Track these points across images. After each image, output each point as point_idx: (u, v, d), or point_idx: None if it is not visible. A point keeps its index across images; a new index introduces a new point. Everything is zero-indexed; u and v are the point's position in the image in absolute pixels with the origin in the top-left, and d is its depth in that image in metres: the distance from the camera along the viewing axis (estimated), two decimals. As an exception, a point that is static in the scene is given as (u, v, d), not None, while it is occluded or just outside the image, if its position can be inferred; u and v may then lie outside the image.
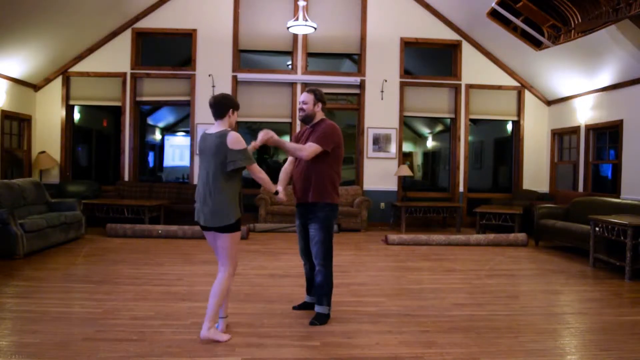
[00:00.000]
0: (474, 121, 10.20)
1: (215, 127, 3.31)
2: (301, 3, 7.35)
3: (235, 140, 3.17)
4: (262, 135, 3.49)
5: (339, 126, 3.84)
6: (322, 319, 3.65)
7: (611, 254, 5.78)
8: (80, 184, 8.87)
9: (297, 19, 7.45)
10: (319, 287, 3.69)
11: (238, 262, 3.40)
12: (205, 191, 3.24)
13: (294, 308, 3.99)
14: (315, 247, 3.67)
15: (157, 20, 9.06)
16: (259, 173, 3.31)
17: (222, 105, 3.31)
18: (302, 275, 5.09)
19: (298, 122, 9.26)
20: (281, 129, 13.63)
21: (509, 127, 10.07)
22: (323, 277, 3.67)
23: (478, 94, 9.55)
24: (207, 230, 3.35)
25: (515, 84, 9.54)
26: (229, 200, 3.22)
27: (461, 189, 9.52)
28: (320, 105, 3.79)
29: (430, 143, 13.79)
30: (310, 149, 3.57)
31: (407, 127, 13.12)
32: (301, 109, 3.77)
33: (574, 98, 8.57)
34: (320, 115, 3.80)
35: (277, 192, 3.62)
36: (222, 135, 3.21)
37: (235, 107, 3.37)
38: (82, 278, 4.95)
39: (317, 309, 3.70)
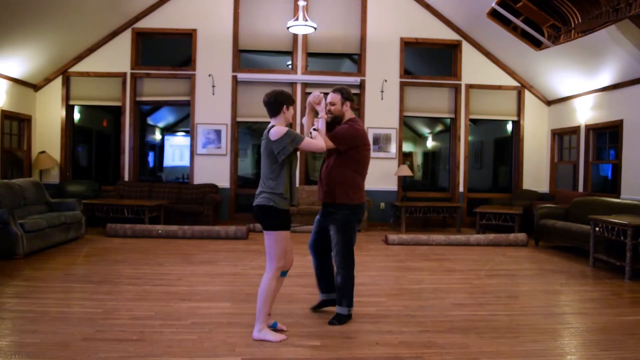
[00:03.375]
0: (474, 121, 10.20)
1: (271, 124, 3.37)
2: (301, 3, 7.35)
3: (276, 132, 3.23)
4: (315, 98, 3.51)
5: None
6: (341, 320, 3.64)
7: (611, 254, 5.78)
8: (80, 184, 8.87)
9: (297, 19, 7.45)
10: (339, 289, 3.69)
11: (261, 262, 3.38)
12: (260, 185, 3.36)
13: (312, 309, 3.92)
14: (334, 249, 3.67)
15: (157, 20, 9.06)
16: (315, 145, 3.32)
17: (275, 103, 3.33)
18: (302, 276, 5.12)
19: (298, 122, 9.26)
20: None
21: (509, 127, 10.07)
22: (342, 279, 3.66)
23: (478, 94, 9.55)
24: (258, 223, 3.43)
25: (515, 84, 9.54)
26: (277, 196, 3.25)
27: (461, 189, 9.52)
28: (348, 104, 3.72)
29: (430, 143, 13.79)
30: (325, 142, 3.48)
31: (407, 127, 13.13)
32: (329, 110, 3.70)
33: (574, 98, 8.57)
34: (349, 114, 3.74)
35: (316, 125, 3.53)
36: (267, 131, 3.30)
37: (289, 102, 3.36)
38: (82, 278, 4.95)
39: (337, 309, 3.69)
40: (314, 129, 3.49)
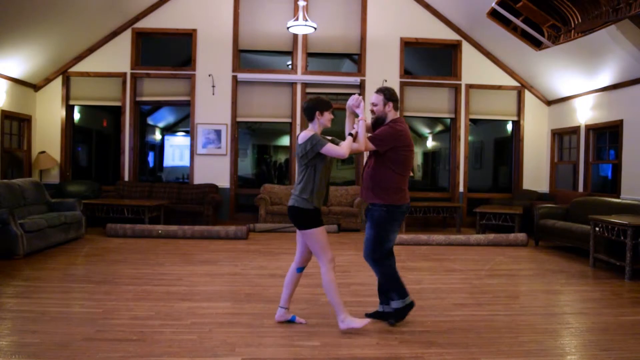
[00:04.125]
0: (474, 121, 10.20)
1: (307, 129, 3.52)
2: (301, 3, 7.35)
3: (302, 136, 3.40)
4: (355, 101, 3.53)
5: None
6: (398, 313, 3.64)
7: (611, 254, 5.78)
8: (80, 184, 8.87)
9: (297, 19, 7.45)
10: (382, 286, 3.73)
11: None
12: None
13: (366, 315, 3.82)
14: (364, 244, 3.69)
15: (157, 20, 9.06)
16: (337, 151, 3.35)
17: (308, 109, 3.49)
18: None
19: (298, 122, 9.27)
20: (281, 128, 13.69)
21: (509, 127, 10.07)
22: (380, 276, 3.70)
23: (478, 94, 9.55)
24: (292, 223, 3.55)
25: (515, 84, 9.54)
26: (303, 197, 3.37)
27: (461, 189, 9.52)
28: (391, 104, 3.68)
29: (430, 143, 13.79)
30: (340, 149, 3.45)
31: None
32: (371, 111, 3.70)
33: (574, 98, 8.57)
34: (392, 115, 3.71)
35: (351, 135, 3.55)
36: (298, 137, 3.46)
37: (323, 108, 3.47)
38: (82, 278, 4.95)
39: (392, 304, 3.67)
40: (350, 134, 3.54)
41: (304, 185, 3.39)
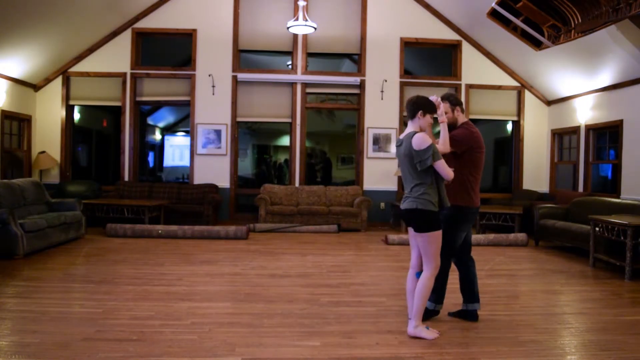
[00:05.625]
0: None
1: (408, 129, 3.43)
2: (301, 3, 7.35)
3: (419, 142, 3.26)
4: (436, 103, 3.50)
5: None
6: (469, 316, 3.75)
7: (611, 254, 5.78)
8: (80, 184, 8.87)
9: (297, 19, 7.45)
10: (467, 283, 3.80)
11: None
12: (406, 189, 3.44)
13: (449, 314, 3.91)
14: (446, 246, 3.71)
15: (157, 20, 9.06)
16: (446, 172, 3.29)
17: (411, 107, 3.40)
18: (302, 276, 5.15)
19: (298, 122, 9.27)
20: (281, 129, 13.69)
21: (509, 127, 10.07)
22: (462, 275, 3.80)
23: (478, 94, 9.55)
24: (409, 226, 3.47)
25: (515, 84, 9.54)
26: (423, 198, 3.30)
27: (461, 189, 9.50)
28: (458, 108, 3.76)
29: (430, 143, 13.77)
30: (450, 171, 3.43)
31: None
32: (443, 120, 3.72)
33: (573, 98, 8.57)
34: (462, 118, 3.78)
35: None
36: (409, 137, 3.33)
37: (425, 109, 3.37)
38: (82, 278, 4.95)
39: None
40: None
41: (427, 188, 3.29)
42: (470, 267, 3.82)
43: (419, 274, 3.47)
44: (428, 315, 3.73)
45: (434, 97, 3.58)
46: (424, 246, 3.35)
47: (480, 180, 3.77)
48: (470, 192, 3.67)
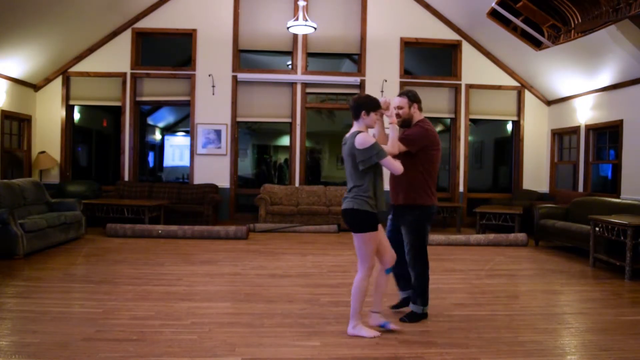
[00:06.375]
0: (474, 121, 10.20)
1: (353, 128, 3.41)
2: (301, 3, 7.35)
3: (361, 141, 3.24)
4: (382, 104, 3.48)
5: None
6: (413, 318, 3.72)
7: (611, 254, 5.78)
8: (80, 184, 8.86)
9: (297, 19, 7.45)
10: (413, 288, 3.76)
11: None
12: (347, 189, 3.43)
13: (392, 307, 3.95)
14: (406, 249, 3.72)
15: (157, 20, 9.06)
16: (394, 167, 3.30)
17: (355, 107, 3.38)
18: (302, 276, 5.14)
19: (298, 122, 9.27)
20: (281, 129, 13.69)
21: (509, 127, 10.07)
22: (415, 279, 3.73)
23: (478, 94, 9.55)
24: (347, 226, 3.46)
25: (515, 84, 9.54)
26: (360, 198, 3.30)
27: (461, 189, 9.52)
28: (416, 106, 3.74)
29: (430, 143, 13.77)
30: (396, 147, 3.51)
31: (407, 127, 13.10)
32: (397, 115, 3.70)
33: (573, 98, 8.57)
34: (417, 116, 3.75)
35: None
36: (352, 136, 3.32)
37: (370, 107, 3.36)
38: (82, 278, 4.95)
39: (411, 307, 3.77)
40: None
41: (366, 188, 3.29)
42: (426, 269, 3.78)
43: (388, 270, 3.49)
44: (407, 303, 3.84)
45: (383, 98, 3.55)
46: (358, 246, 3.33)
47: (437, 179, 3.78)
48: (428, 191, 3.67)
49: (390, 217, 3.91)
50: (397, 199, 3.74)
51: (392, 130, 3.52)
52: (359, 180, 3.31)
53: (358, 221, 3.30)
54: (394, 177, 3.65)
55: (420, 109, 3.78)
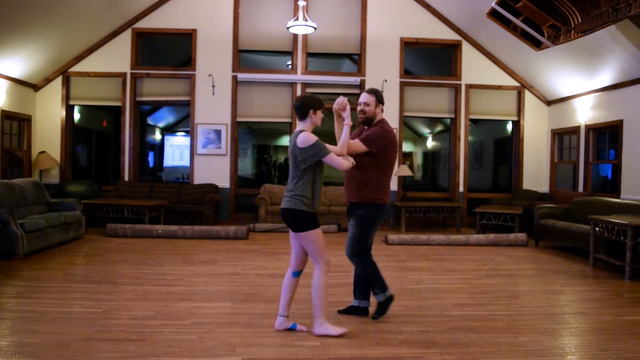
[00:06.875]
0: (474, 121, 10.20)
1: (298, 127, 3.42)
2: (301, 3, 7.35)
3: (303, 140, 3.26)
4: (339, 105, 3.50)
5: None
6: (381, 307, 3.73)
7: (611, 254, 5.78)
8: (80, 184, 8.86)
9: (297, 19, 7.45)
10: (366, 281, 3.76)
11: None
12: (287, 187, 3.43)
13: (339, 312, 3.92)
14: (348, 241, 3.71)
15: (157, 20, 9.06)
16: (338, 164, 3.32)
17: (301, 108, 3.38)
18: (302, 276, 5.10)
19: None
20: (281, 129, 13.69)
21: (509, 127, 10.07)
22: (362, 271, 3.74)
23: (478, 94, 9.55)
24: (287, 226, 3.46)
25: (515, 84, 9.54)
26: (297, 198, 3.30)
27: (461, 189, 9.52)
28: (380, 107, 3.75)
29: (430, 143, 13.80)
30: (354, 146, 3.55)
31: (407, 127, 13.13)
32: (362, 111, 3.71)
33: (574, 98, 8.57)
34: (379, 117, 3.77)
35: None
36: (295, 135, 3.34)
37: (317, 106, 3.38)
38: (82, 278, 4.95)
39: (375, 298, 3.76)
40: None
41: (303, 187, 3.31)
42: (369, 266, 3.75)
43: (295, 273, 3.47)
44: (354, 312, 3.83)
45: (342, 97, 3.54)
46: (305, 246, 3.35)
47: (391, 179, 3.82)
48: (382, 189, 3.69)
49: (348, 218, 3.89)
50: (351, 196, 3.74)
51: (345, 131, 3.51)
52: (298, 180, 3.32)
53: (298, 220, 3.31)
54: (350, 175, 3.68)
55: (382, 111, 3.81)
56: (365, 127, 3.78)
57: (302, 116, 3.38)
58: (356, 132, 3.86)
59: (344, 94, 3.84)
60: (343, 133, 3.51)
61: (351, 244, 3.70)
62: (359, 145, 3.56)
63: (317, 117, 3.39)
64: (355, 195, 3.69)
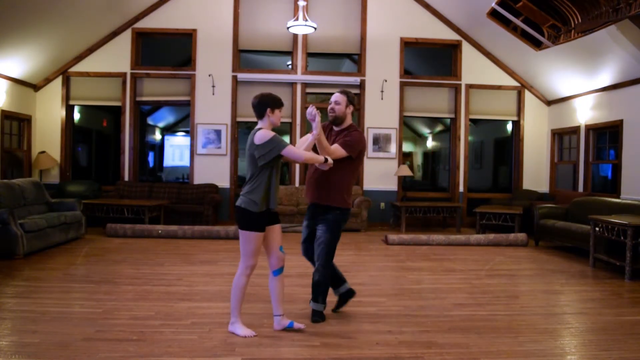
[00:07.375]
0: (474, 121, 10.20)
1: (257, 126, 3.39)
2: (301, 3, 7.35)
3: (260, 137, 3.24)
4: (309, 115, 3.45)
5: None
6: (317, 316, 3.70)
7: (611, 254, 5.78)
8: (80, 184, 8.86)
9: (297, 19, 7.45)
10: (317, 285, 3.69)
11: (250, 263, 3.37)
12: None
13: (333, 311, 3.91)
14: (319, 247, 3.66)
15: (157, 20, 9.06)
16: (297, 155, 3.31)
17: (259, 106, 3.35)
18: (302, 276, 5.12)
19: (298, 122, 9.28)
20: (281, 129, 13.69)
21: (509, 127, 10.07)
22: (321, 276, 3.68)
23: (478, 94, 9.55)
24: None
25: (515, 84, 9.54)
26: (248, 197, 3.29)
27: (461, 189, 9.52)
28: (351, 107, 3.75)
29: (430, 143, 13.80)
30: (337, 152, 3.54)
31: (407, 127, 13.14)
32: (332, 109, 3.71)
33: (573, 98, 8.57)
34: (349, 119, 3.77)
35: (326, 160, 3.45)
36: (253, 133, 3.32)
37: (274, 105, 3.35)
38: (82, 278, 4.95)
39: (313, 305, 3.72)
40: (325, 160, 3.45)
41: (257, 187, 3.27)
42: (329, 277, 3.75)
43: (275, 272, 3.45)
44: (345, 300, 3.89)
45: (311, 107, 3.45)
46: (241, 243, 3.35)
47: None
48: (350, 194, 3.72)
49: (305, 222, 3.83)
50: (319, 197, 3.68)
51: (309, 140, 3.53)
52: (253, 179, 3.30)
53: (240, 218, 3.31)
54: (322, 177, 3.63)
55: (352, 114, 3.79)
56: (334, 128, 3.77)
57: (260, 115, 3.34)
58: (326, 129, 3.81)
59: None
60: (306, 142, 3.54)
61: (325, 252, 3.63)
62: (342, 152, 3.56)
63: (275, 116, 3.35)
64: (327, 199, 3.64)
